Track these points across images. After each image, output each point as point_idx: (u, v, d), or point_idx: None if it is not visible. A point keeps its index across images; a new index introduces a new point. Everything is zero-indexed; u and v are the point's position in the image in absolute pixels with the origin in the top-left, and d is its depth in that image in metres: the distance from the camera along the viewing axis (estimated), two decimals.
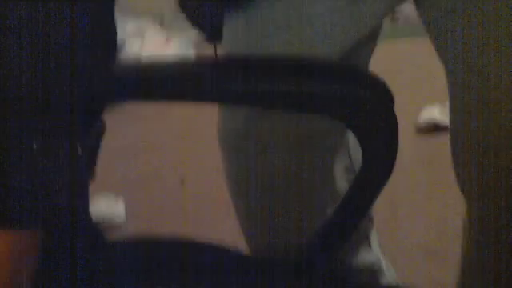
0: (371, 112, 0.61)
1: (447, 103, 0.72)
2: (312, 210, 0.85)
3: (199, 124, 1.68)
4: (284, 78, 0.60)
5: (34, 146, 0.44)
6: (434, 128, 2.16)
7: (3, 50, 0.44)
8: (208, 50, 0.82)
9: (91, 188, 0.54)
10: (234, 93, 0.63)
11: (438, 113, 2.20)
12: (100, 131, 0.57)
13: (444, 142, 0.80)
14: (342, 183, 0.88)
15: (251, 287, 0.71)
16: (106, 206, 1.73)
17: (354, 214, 0.71)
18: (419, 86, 2.49)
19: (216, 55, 0.82)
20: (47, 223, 0.44)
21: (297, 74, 0.61)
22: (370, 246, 1.02)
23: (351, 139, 0.90)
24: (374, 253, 1.02)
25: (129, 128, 2.24)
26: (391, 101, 0.61)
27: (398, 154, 0.63)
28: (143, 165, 1.92)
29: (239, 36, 0.72)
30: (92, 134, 0.54)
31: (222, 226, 1.30)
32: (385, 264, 1.13)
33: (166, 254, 0.76)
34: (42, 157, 0.44)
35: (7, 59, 0.44)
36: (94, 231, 0.64)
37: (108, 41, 0.50)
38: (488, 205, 0.65)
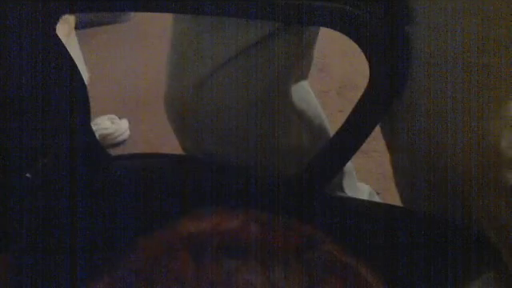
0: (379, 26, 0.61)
1: None
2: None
3: None
4: None
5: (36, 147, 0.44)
6: None
7: (3, 50, 0.44)
8: None
9: (95, 109, 0.54)
10: (235, 4, 0.62)
11: None
12: None
13: None
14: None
15: (252, 203, 0.72)
16: (109, 123, 1.75)
17: (356, 137, 0.70)
18: None
19: None
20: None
21: None
22: (343, 191, 1.03)
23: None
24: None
25: (132, 48, 2.21)
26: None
27: None
28: (147, 85, 1.92)
29: None
30: None
31: None
32: (368, 193, 1.15)
33: (167, 168, 0.78)
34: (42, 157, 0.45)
35: (7, 59, 0.44)
36: (96, 147, 0.65)
37: None
38: (488, 205, 0.66)
